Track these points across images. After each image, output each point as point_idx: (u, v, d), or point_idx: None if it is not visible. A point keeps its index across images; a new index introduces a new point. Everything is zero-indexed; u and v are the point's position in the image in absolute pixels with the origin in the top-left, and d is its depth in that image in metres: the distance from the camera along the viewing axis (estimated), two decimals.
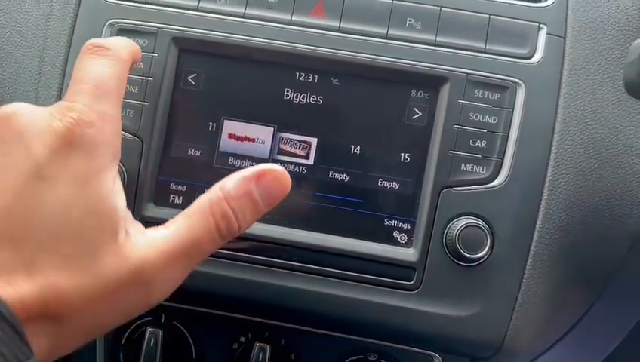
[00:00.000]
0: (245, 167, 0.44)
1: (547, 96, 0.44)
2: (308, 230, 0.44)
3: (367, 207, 0.44)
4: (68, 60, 0.46)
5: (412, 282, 0.43)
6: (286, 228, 0.44)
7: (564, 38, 0.45)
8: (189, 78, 0.45)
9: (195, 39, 0.45)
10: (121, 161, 0.44)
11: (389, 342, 0.46)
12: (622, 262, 0.46)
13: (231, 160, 0.45)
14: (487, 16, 0.45)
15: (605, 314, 0.52)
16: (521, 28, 0.45)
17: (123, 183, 0.43)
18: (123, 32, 0.45)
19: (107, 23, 0.46)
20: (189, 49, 0.45)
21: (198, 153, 0.45)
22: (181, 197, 0.45)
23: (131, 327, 0.48)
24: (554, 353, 0.58)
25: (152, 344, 0.47)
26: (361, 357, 0.47)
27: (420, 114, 0.44)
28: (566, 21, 0.45)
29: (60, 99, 0.44)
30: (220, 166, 0.45)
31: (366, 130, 0.44)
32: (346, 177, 0.44)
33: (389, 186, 0.44)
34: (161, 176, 0.45)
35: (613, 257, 0.46)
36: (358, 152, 0.44)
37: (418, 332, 0.43)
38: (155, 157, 0.45)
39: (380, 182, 0.44)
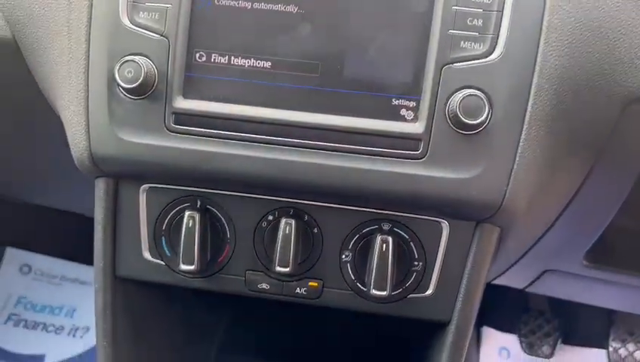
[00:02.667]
0: None
1: None
2: (324, 113, 0.49)
3: (376, 89, 0.49)
4: None
5: (419, 151, 0.48)
6: (306, 112, 0.49)
7: None
8: None
9: None
10: (150, 59, 0.49)
11: (401, 209, 0.52)
12: (614, 126, 0.50)
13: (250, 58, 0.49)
14: None
15: (601, 184, 0.56)
16: None
17: (154, 79, 0.48)
18: None
19: None
20: None
21: (220, 52, 0.49)
22: (208, 90, 0.50)
23: (170, 214, 0.55)
24: (555, 233, 0.63)
25: (190, 225, 0.53)
26: (376, 226, 0.53)
27: None
28: None
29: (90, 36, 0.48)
30: (240, 64, 0.49)
31: (371, 18, 0.48)
32: (354, 64, 0.48)
33: (395, 68, 0.48)
34: (188, 73, 0.50)
35: (605, 121, 0.50)
36: (366, 39, 0.48)
37: (426, 197, 0.48)
38: (181, 54, 0.49)
39: (386, 65, 0.48)
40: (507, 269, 0.74)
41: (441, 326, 0.56)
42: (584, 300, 0.87)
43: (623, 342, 1.15)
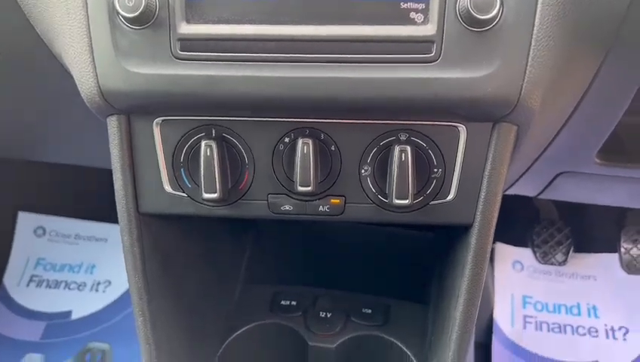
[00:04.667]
0: None
1: None
2: (331, 24, 0.48)
3: None
4: None
5: (432, 54, 0.47)
6: (311, 25, 0.48)
7: None
8: None
9: None
10: None
11: (418, 117, 0.52)
12: (623, 19, 0.49)
13: None
14: None
15: (612, 78, 0.56)
16: None
17: (155, 6, 0.47)
18: None
19: None
20: None
21: None
22: (211, 13, 0.48)
23: (187, 145, 0.55)
24: (568, 132, 0.63)
25: (208, 154, 0.53)
26: (394, 138, 0.53)
27: None
28: None
29: None
30: None
31: None
32: None
33: None
34: None
35: (614, 14, 0.49)
36: None
37: (444, 99, 0.48)
38: None
39: None
40: (522, 175, 0.74)
41: (464, 230, 0.57)
42: (597, 201, 0.88)
43: (634, 242, 1.18)
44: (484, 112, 0.50)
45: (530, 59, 0.47)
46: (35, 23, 0.56)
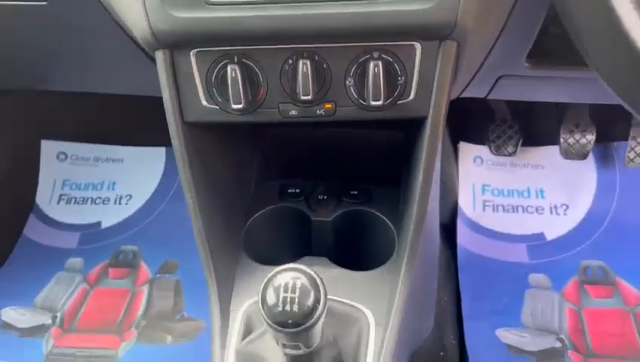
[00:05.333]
0: None
1: None
2: None
3: None
4: None
5: None
6: None
7: None
8: None
9: None
10: None
11: (385, 39, 0.69)
12: None
13: None
14: None
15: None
16: None
17: None
18: None
19: None
20: None
21: None
22: None
23: (216, 69, 0.73)
24: (500, 44, 0.82)
25: (233, 75, 0.70)
26: (369, 56, 0.71)
27: None
28: None
29: None
30: None
31: None
32: None
33: None
34: None
35: None
36: None
37: (402, 25, 0.65)
38: None
39: None
40: (471, 80, 0.94)
41: (422, 123, 0.78)
42: (534, 98, 1.09)
43: (571, 132, 1.41)
44: (432, 33, 0.68)
45: None
46: None
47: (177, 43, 0.70)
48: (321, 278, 0.62)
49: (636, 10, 0.52)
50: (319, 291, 0.60)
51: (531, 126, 1.49)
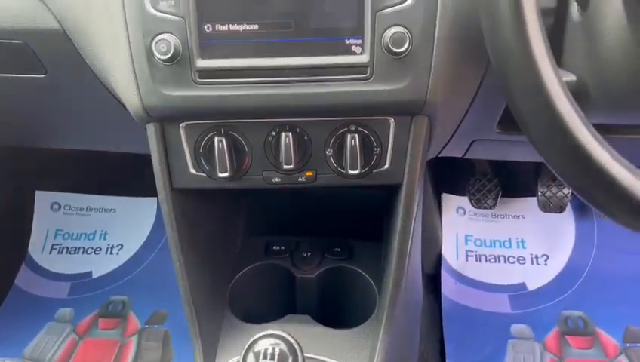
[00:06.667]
0: None
1: None
2: (299, 56, 0.69)
3: (334, 35, 0.69)
4: None
5: (367, 75, 0.69)
6: (286, 57, 0.68)
7: None
8: None
9: None
10: (175, 35, 0.69)
11: (360, 115, 0.74)
12: None
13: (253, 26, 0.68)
14: None
15: (493, 81, 0.80)
16: None
17: (179, 48, 0.69)
18: None
19: None
20: None
21: (221, 22, 0.69)
22: (218, 51, 0.70)
23: (204, 140, 0.78)
24: (470, 115, 0.88)
25: (220, 146, 0.75)
26: (346, 129, 0.75)
27: None
28: None
29: (126, 23, 0.68)
30: (236, 29, 0.70)
31: None
32: (317, 18, 0.68)
33: (345, 18, 0.67)
34: (202, 41, 0.71)
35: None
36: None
37: (375, 104, 0.70)
38: (194, 29, 0.68)
39: (339, 16, 0.68)
40: (446, 144, 1.00)
41: (398, 188, 0.83)
42: (508, 158, 1.15)
43: (548, 186, 1.46)
44: (404, 110, 0.73)
45: (431, 75, 0.69)
46: (87, 57, 0.78)
47: (167, 117, 0.75)
48: (299, 345, 0.65)
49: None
50: (297, 358, 0.64)
51: (511, 179, 1.55)
